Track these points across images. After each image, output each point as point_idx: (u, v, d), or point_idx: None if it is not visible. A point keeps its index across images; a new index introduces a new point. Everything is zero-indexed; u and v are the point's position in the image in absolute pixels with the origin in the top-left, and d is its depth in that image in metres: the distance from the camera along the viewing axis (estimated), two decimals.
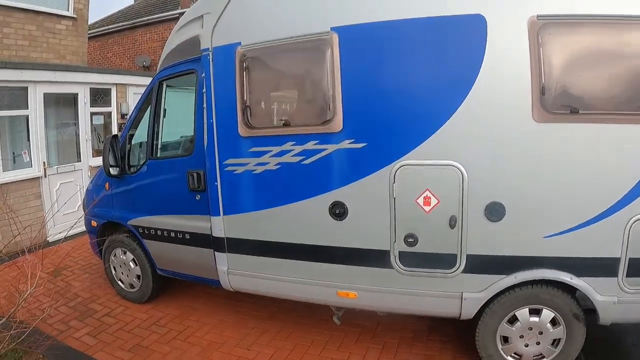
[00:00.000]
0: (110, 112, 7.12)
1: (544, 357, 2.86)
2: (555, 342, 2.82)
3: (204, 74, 3.30)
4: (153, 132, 3.83)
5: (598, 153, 2.48)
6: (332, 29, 2.84)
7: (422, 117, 2.74)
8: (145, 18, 12.89)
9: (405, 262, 2.89)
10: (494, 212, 2.67)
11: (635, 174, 2.44)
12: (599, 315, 2.65)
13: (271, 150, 3.12)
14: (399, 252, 2.89)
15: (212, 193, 3.40)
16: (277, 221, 3.20)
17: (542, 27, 2.46)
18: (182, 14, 13.38)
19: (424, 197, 2.79)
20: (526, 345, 2.86)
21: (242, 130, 3.17)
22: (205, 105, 3.32)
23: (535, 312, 2.80)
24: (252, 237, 3.34)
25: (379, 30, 2.74)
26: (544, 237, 2.62)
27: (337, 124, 2.88)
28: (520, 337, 2.85)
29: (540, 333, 2.81)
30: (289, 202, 3.14)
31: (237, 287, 3.55)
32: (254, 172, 3.21)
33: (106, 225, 4.39)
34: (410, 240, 2.85)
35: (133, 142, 4.07)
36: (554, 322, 2.78)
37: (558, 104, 2.50)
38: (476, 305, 2.84)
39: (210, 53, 3.24)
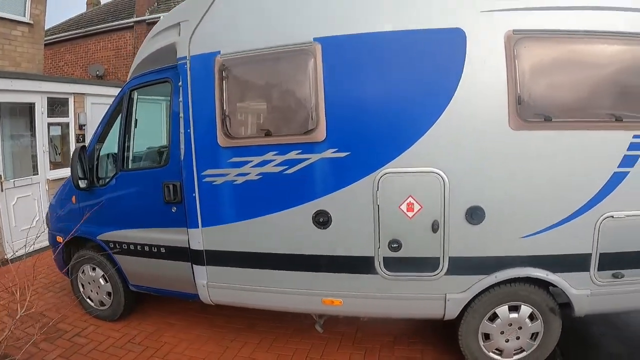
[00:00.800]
0: (68, 123, 6.61)
1: (523, 350, 2.93)
2: (533, 336, 2.90)
3: (180, 83, 3.13)
4: (124, 143, 3.59)
5: (569, 157, 2.58)
6: (314, 39, 2.78)
7: (405, 126, 2.73)
8: (99, 26, 12.24)
9: (390, 267, 2.86)
10: (475, 215, 2.71)
11: (603, 176, 2.56)
12: (574, 308, 2.75)
13: (252, 161, 3.00)
14: (384, 257, 2.86)
15: (189, 205, 3.21)
16: (259, 232, 3.07)
17: (518, 41, 2.53)
18: (137, 22, 12.91)
19: (407, 204, 2.77)
20: (507, 341, 2.92)
21: (221, 141, 3.02)
22: (182, 114, 3.14)
23: (514, 308, 2.86)
24: (234, 248, 3.18)
25: (362, 41, 2.72)
26: (521, 237, 2.69)
27: (320, 134, 2.81)
28: (501, 333, 2.91)
29: (520, 328, 2.88)
30: (271, 212, 3.02)
31: (217, 301, 3.37)
32: (234, 182, 3.07)
33: (72, 241, 4.04)
34: (394, 245, 2.82)
35: (101, 153, 3.79)
36: (531, 317, 2.86)
37: (533, 112, 2.58)
38: (459, 306, 2.86)
39: (188, 61, 3.07)
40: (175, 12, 3.28)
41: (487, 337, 2.95)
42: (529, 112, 2.58)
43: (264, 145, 2.95)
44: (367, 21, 2.70)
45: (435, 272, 2.81)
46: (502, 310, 2.86)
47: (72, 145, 6.62)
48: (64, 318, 4.04)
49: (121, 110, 3.65)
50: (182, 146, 3.16)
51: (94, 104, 7.01)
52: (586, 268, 2.66)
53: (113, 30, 12.07)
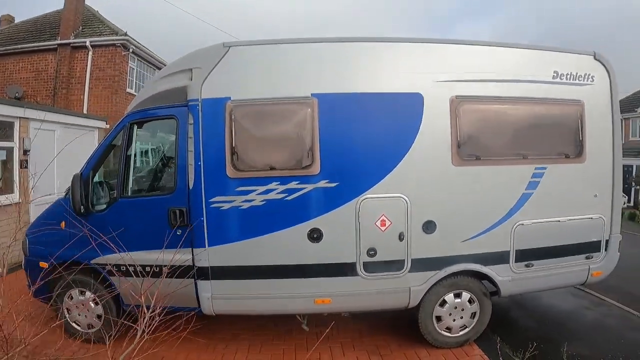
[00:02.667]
0: (12, 148, 6.19)
1: (466, 327, 3.81)
2: (473, 315, 3.81)
3: (191, 121, 3.49)
4: (124, 172, 3.77)
5: (493, 183, 3.59)
6: (312, 94, 3.44)
7: (380, 163, 3.51)
8: (19, 46, 11.24)
9: (368, 270, 3.56)
10: (429, 227, 3.55)
11: (515, 195, 3.62)
12: (500, 291, 3.72)
13: (257, 189, 3.49)
14: (363, 262, 3.55)
15: (197, 227, 3.54)
16: (262, 247, 3.54)
17: (459, 103, 3.49)
18: (61, 45, 12.10)
19: (381, 220, 3.52)
20: (454, 320, 3.77)
21: (230, 172, 3.47)
22: (192, 149, 3.50)
23: (458, 295, 3.74)
24: (238, 263, 3.58)
25: (350, 98, 3.46)
26: (462, 241, 3.60)
27: (316, 168, 3.45)
28: (449, 315, 3.75)
29: (462, 310, 3.76)
30: (273, 231, 3.52)
31: (220, 311, 3.70)
32: (240, 207, 3.51)
33: (55, 267, 3.98)
34: (371, 252, 3.53)
35: (97, 180, 3.90)
36: (470, 300, 3.76)
37: (468, 153, 3.55)
38: (419, 295, 3.64)
39: (200, 103, 3.47)
40: (187, 59, 3.65)
41: (439, 319, 3.77)
42: (465, 153, 3.54)
43: (268, 177, 3.48)
44: (353, 84, 3.46)
45: (402, 271, 3.57)
46: (449, 297, 3.73)
47: (16, 171, 6.21)
48: (49, 344, 3.93)
49: (119, 140, 3.84)
50: (192, 176, 3.51)
51: (36, 129, 6.65)
52: (507, 261, 3.66)
53: (34, 51, 11.20)
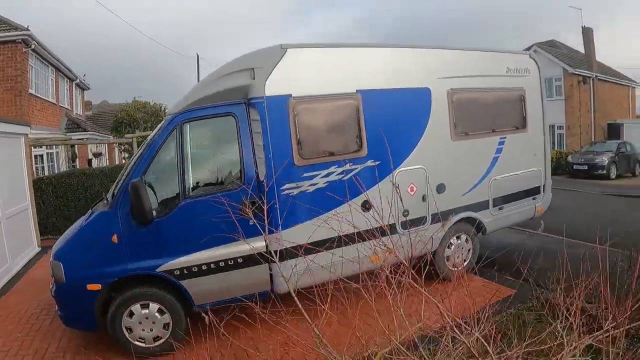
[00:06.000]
0: None
1: (466, 261, 4.91)
2: (469, 251, 4.94)
3: (256, 117, 3.66)
4: (183, 173, 3.63)
5: (476, 151, 4.78)
6: (357, 90, 3.99)
7: (407, 142, 4.36)
8: None
9: (404, 227, 4.32)
10: (441, 188, 4.53)
11: (489, 159, 4.88)
12: (486, 229, 4.92)
13: (320, 173, 3.91)
14: (401, 222, 4.28)
15: (271, 214, 3.70)
16: (327, 223, 3.90)
17: (452, 94, 4.52)
18: None
19: (410, 187, 4.35)
20: (457, 257, 4.84)
21: (297, 160, 3.79)
22: (261, 143, 3.67)
23: (458, 237, 4.80)
24: (310, 240, 3.86)
25: (383, 93, 4.20)
26: (461, 195, 4.68)
27: (364, 151, 4.07)
28: (454, 253, 4.79)
29: (462, 248, 4.88)
30: (335, 207, 3.93)
31: (297, 286, 3.91)
32: (307, 191, 3.87)
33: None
34: (405, 213, 4.31)
35: (151, 184, 3.65)
36: (467, 240, 4.89)
37: (459, 131, 4.62)
38: (437, 242, 4.57)
39: (264, 101, 3.66)
40: (246, 60, 3.78)
41: (448, 258, 4.78)
42: (459, 131, 4.60)
43: (328, 162, 3.91)
44: (385, 81, 4.21)
45: (425, 224, 4.45)
46: (453, 240, 4.77)
47: None
48: None
49: (170, 142, 3.67)
50: (263, 168, 3.69)
51: None
52: (487, 207, 4.91)
53: None
